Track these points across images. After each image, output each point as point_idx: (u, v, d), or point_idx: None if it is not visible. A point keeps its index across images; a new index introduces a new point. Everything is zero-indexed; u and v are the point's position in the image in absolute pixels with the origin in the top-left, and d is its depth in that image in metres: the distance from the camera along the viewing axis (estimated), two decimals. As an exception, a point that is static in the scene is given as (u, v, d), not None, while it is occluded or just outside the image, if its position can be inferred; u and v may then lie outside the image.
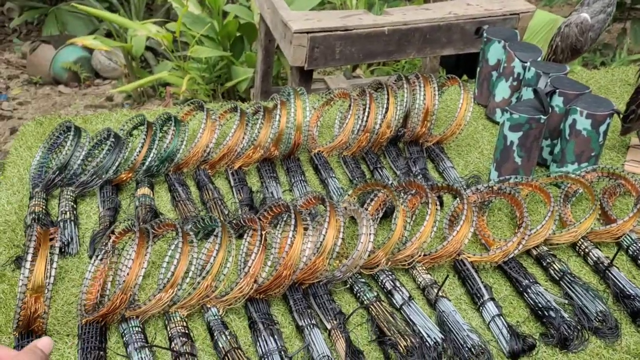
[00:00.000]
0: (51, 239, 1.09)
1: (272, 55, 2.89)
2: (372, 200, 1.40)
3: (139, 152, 1.51)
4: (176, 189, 1.49)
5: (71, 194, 1.44)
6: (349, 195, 1.40)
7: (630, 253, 1.31)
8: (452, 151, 1.71)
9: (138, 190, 1.48)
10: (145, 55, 4.28)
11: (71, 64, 4.27)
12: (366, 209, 1.38)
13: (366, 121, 1.60)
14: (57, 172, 1.45)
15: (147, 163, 1.50)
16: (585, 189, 1.40)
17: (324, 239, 1.19)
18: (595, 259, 1.28)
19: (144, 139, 1.52)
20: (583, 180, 1.40)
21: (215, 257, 1.16)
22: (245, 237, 1.32)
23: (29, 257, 1.04)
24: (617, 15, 4.36)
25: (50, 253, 1.07)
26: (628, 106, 1.61)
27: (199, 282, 1.14)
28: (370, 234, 1.22)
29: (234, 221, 1.32)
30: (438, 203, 1.31)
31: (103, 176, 1.48)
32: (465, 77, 3.11)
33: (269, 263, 1.19)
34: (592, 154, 1.48)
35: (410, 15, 2.27)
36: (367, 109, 1.61)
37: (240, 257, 1.28)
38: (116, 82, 4.42)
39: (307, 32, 2.15)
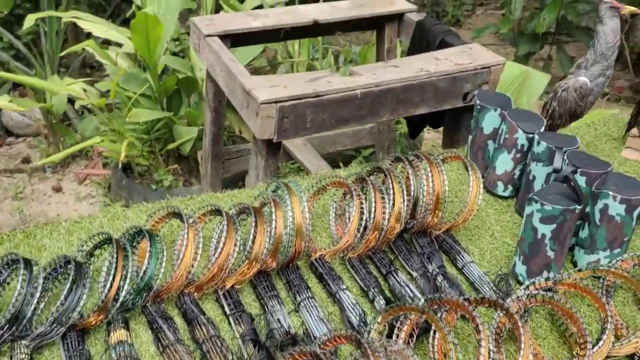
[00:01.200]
0: None
1: (222, 117, 2.64)
2: (402, 323, 1.19)
3: (111, 284, 1.21)
4: (160, 327, 1.21)
5: (26, 350, 1.13)
6: (378, 323, 1.18)
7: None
8: (462, 237, 1.54)
9: (112, 334, 1.18)
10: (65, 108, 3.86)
11: (-23, 123, 3.78)
12: (398, 335, 1.17)
13: (374, 217, 1.40)
14: (7, 326, 1.13)
15: (120, 298, 1.22)
16: (632, 284, 1.27)
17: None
18: (661, 372, 1.15)
19: (114, 266, 1.23)
20: (628, 277, 1.26)
21: None
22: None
23: None
24: (543, 42, 4.49)
25: None
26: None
27: None
28: (423, 382, 1.01)
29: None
30: (480, 323, 1.12)
31: (66, 322, 1.17)
32: (427, 127, 3.01)
33: None
34: (625, 239, 1.36)
35: (380, 75, 2.11)
36: (372, 202, 1.41)
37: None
38: (32, 139, 3.97)
39: (275, 102, 1.92)
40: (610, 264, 1.34)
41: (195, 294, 1.31)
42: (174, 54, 3.80)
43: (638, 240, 1.53)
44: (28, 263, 1.22)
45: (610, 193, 1.32)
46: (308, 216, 1.37)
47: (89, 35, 3.77)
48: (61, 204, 3.47)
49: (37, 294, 1.18)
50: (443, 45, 2.43)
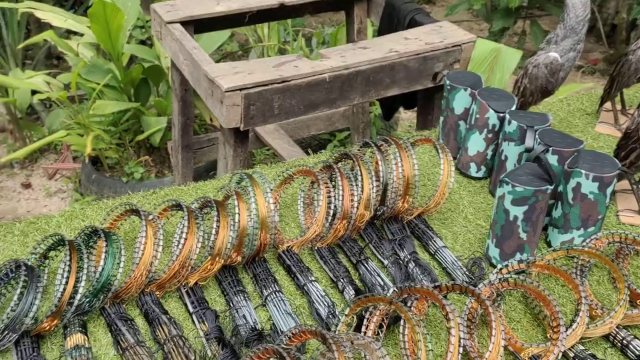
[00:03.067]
0: None
1: (190, 106, 2.56)
2: (372, 314, 1.15)
3: (64, 287, 1.15)
4: (119, 329, 1.15)
5: (-25, 362, 1.07)
6: (346, 315, 1.14)
7: (669, 335, 1.16)
8: (434, 220, 1.50)
9: (68, 339, 1.13)
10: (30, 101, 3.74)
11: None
12: (367, 326, 1.13)
13: (342, 205, 1.35)
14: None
15: (76, 301, 1.16)
16: (608, 264, 1.24)
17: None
18: (637, 351, 1.12)
19: (68, 267, 1.17)
20: (602, 255, 1.23)
21: None
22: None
23: None
24: (516, 17, 4.45)
25: None
26: (618, 153, 1.48)
27: None
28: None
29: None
30: (455, 309, 1.08)
31: (18, 329, 1.11)
32: (401, 109, 2.96)
33: None
34: (599, 217, 1.33)
35: (349, 58, 2.04)
36: (340, 190, 1.36)
37: None
38: (-4, 137, 3.84)
39: (240, 89, 1.85)
40: (584, 243, 1.31)
41: (157, 293, 1.25)
42: (142, 42, 3.69)
43: (612, 217, 1.50)
44: (-25, 269, 1.15)
45: (583, 171, 1.28)
46: (273, 207, 1.31)
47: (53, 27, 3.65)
48: (31, 200, 3.37)
49: (-14, 302, 1.12)
50: (413, 24, 2.37)
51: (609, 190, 1.29)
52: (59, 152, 3.67)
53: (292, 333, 1.06)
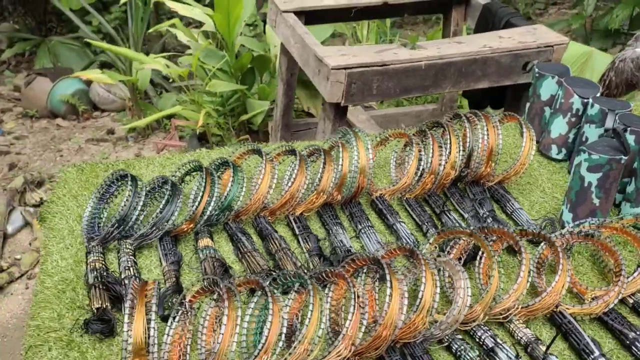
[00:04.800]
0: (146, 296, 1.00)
1: (293, 89, 2.84)
2: (451, 247, 1.33)
3: (199, 201, 1.42)
4: (240, 239, 1.40)
5: (130, 247, 1.35)
6: (430, 243, 1.33)
7: None
8: (513, 191, 1.66)
9: (199, 241, 1.39)
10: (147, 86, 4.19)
11: (69, 97, 4.15)
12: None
13: (430, 162, 1.54)
14: (116, 225, 1.36)
15: (207, 213, 1.42)
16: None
17: (422, 295, 1.11)
18: (694, 306, 1.23)
19: (203, 186, 1.44)
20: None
21: (310, 319, 1.07)
22: (327, 291, 1.23)
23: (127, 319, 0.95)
24: (615, 39, 4.44)
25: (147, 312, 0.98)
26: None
27: (295, 347, 1.05)
28: (467, 287, 1.15)
29: (315, 275, 1.23)
30: (523, 247, 1.24)
31: (163, 228, 1.39)
32: (488, 108, 3.10)
33: (364, 322, 1.11)
34: (670, 193, 1.44)
35: (444, 50, 2.24)
36: (430, 149, 1.55)
37: (326, 315, 1.20)
38: (115, 114, 4.32)
39: (345, 68, 2.09)
40: (653, 215, 1.42)
41: (270, 218, 1.49)
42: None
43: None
44: (134, 178, 1.45)
45: (657, 147, 1.41)
46: (371, 156, 1.53)
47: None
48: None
49: (141, 202, 1.40)
50: (508, 26, 2.53)
51: (681, 167, 1.41)
52: (167, 131, 4.08)
53: (386, 250, 1.26)
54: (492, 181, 1.63)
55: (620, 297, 1.23)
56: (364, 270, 1.25)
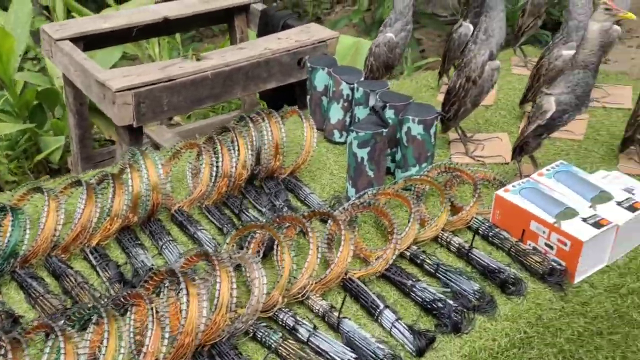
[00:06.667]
0: None
1: (86, 119, 2.71)
2: (249, 242, 1.40)
3: (-23, 254, 1.31)
4: (30, 284, 1.33)
5: None
6: (227, 243, 1.38)
7: (481, 233, 1.49)
8: (306, 178, 1.78)
9: (-16, 297, 1.29)
10: None
11: None
12: (247, 251, 1.38)
13: (221, 166, 1.60)
14: None
15: (-12, 264, 1.32)
16: (434, 186, 1.57)
17: (219, 294, 1.16)
18: (457, 246, 1.44)
19: (-22, 237, 1.33)
20: (430, 180, 1.56)
21: (107, 347, 1.06)
22: (129, 314, 1.22)
23: None
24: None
25: None
26: (444, 107, 1.84)
27: (97, 378, 1.04)
28: (262, 276, 1.22)
29: (113, 301, 1.22)
30: (316, 230, 1.35)
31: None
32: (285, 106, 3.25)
33: (166, 335, 1.12)
34: (428, 154, 1.66)
35: (229, 57, 2.32)
36: (220, 154, 1.61)
37: (130, 338, 1.19)
38: None
39: (130, 89, 2.07)
40: (419, 175, 1.63)
41: (63, 255, 1.43)
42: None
43: (438, 158, 1.84)
44: None
45: (410, 117, 1.61)
46: (161, 172, 1.54)
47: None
48: None
49: None
50: (286, 27, 2.69)
51: (432, 131, 1.63)
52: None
53: (182, 260, 1.29)
54: (285, 173, 1.73)
55: (398, 253, 1.39)
56: (166, 284, 1.26)
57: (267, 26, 2.79)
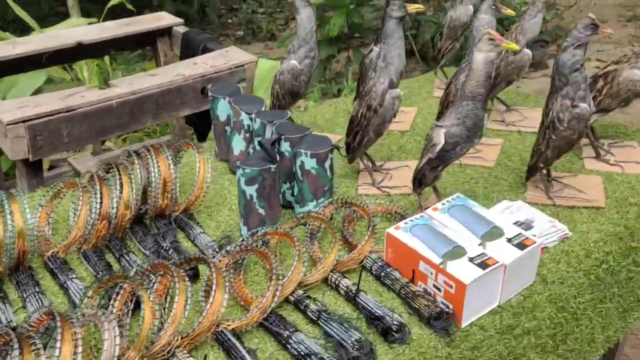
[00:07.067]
0: None
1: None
2: (117, 294, 1.28)
3: None
4: None
5: None
6: (88, 297, 1.27)
7: (374, 272, 1.41)
8: (202, 215, 1.68)
9: None
10: None
11: None
12: (113, 306, 1.27)
13: (100, 207, 1.49)
14: None
15: None
16: (323, 223, 1.48)
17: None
18: (345, 288, 1.35)
19: None
20: (320, 217, 1.47)
21: None
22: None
23: None
24: (341, 45, 4.91)
25: None
26: (347, 136, 1.76)
27: None
28: (115, 336, 1.11)
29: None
30: (187, 278, 1.25)
31: None
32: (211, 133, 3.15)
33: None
34: (325, 188, 1.58)
35: (137, 84, 2.21)
36: (99, 194, 1.50)
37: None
38: None
39: (24, 121, 1.95)
40: (314, 212, 1.54)
41: None
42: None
43: (345, 189, 1.76)
44: None
45: (303, 151, 1.53)
46: (29, 216, 1.42)
47: None
48: None
49: None
50: (206, 51, 2.60)
51: (327, 164, 1.55)
52: None
53: (37, 317, 1.17)
54: (178, 210, 1.63)
55: (281, 299, 1.30)
56: (14, 347, 1.14)
57: (188, 49, 2.70)
